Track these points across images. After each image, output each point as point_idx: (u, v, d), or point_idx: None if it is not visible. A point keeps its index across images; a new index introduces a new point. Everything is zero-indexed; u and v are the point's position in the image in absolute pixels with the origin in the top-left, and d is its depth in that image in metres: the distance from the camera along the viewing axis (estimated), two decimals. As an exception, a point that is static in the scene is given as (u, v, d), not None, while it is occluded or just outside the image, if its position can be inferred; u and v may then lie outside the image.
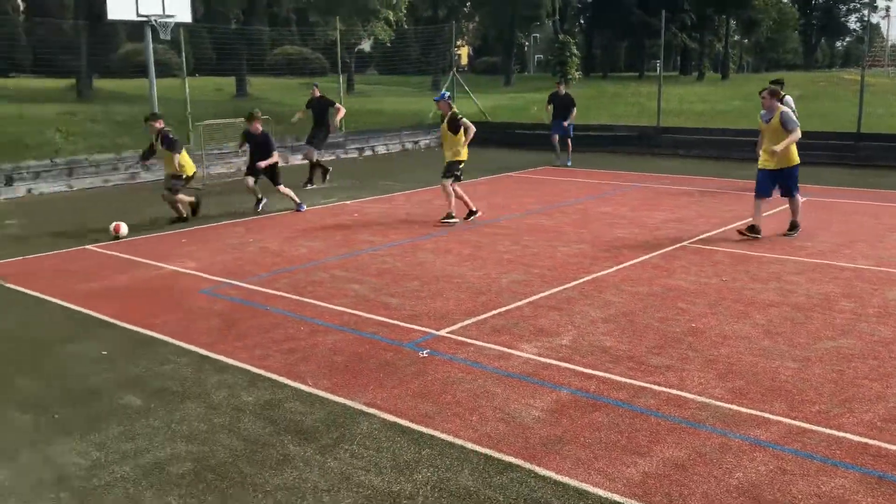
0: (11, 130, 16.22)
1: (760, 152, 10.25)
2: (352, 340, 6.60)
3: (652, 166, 17.89)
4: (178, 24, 16.90)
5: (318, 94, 15.72)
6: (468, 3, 50.22)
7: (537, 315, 7.20)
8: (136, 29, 36.64)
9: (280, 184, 12.96)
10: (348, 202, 13.64)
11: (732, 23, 60.39)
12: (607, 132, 21.46)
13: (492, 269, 8.83)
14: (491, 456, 4.62)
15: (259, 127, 12.95)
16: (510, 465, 4.52)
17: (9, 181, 14.60)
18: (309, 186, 15.23)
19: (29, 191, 14.88)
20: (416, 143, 22.69)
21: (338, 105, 15.83)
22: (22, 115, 17.20)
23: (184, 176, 11.95)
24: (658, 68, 28.41)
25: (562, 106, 17.73)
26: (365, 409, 5.28)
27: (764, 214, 10.32)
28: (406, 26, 32.15)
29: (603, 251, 9.63)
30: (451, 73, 24.87)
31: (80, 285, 8.46)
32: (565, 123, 17.61)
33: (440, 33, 34.57)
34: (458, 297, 7.80)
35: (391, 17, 28.61)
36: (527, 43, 74.79)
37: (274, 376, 5.88)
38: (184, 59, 18.44)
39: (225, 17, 28.64)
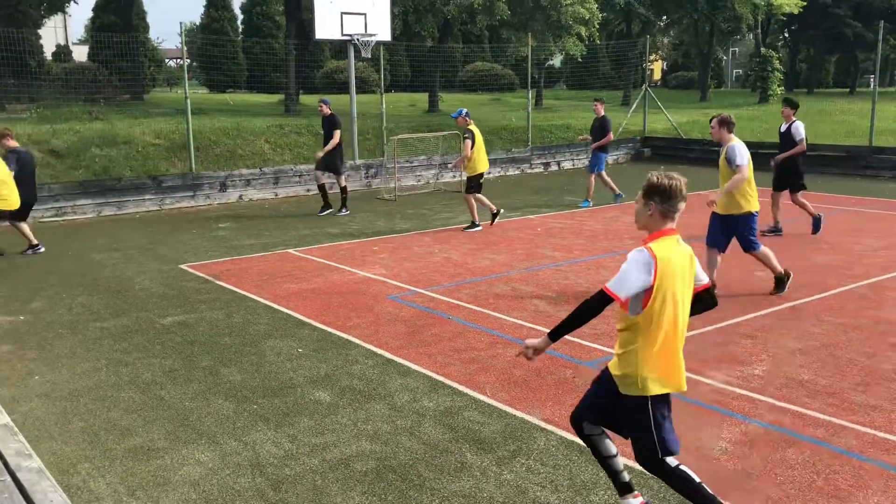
0: (227, 141, 17.74)
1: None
2: (532, 355, 6.59)
3: (861, 189, 16.54)
4: (378, 43, 17.79)
5: (327, 111, 13.91)
6: (664, 17, 48.97)
7: (728, 342, 6.85)
8: (339, 48, 39.03)
9: (21, 220, 10.92)
10: (532, 216, 13.68)
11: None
12: (811, 152, 19.95)
13: (679, 291, 8.51)
14: (672, 484, 4.44)
15: (11, 143, 10.70)
16: (693, 496, 4.32)
17: (223, 187, 15.96)
18: (344, 212, 14.18)
19: (240, 197, 16.18)
20: (603, 159, 22.34)
21: (336, 132, 13.79)
22: (238, 127, 18.75)
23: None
24: (872, 83, 26.15)
25: (595, 131, 14.81)
26: (542, 424, 5.26)
27: None
28: (598, 41, 31.82)
29: (802, 278, 9.01)
30: (644, 88, 24.33)
31: (282, 286, 9.07)
32: (593, 146, 14.72)
33: (633, 48, 33.94)
34: (642, 317, 7.58)
35: (583, 32, 28.40)
36: (724, 57, 71.73)
37: (454, 384, 6.00)
38: (381, 76, 19.35)
39: (421, 35, 29.74)
